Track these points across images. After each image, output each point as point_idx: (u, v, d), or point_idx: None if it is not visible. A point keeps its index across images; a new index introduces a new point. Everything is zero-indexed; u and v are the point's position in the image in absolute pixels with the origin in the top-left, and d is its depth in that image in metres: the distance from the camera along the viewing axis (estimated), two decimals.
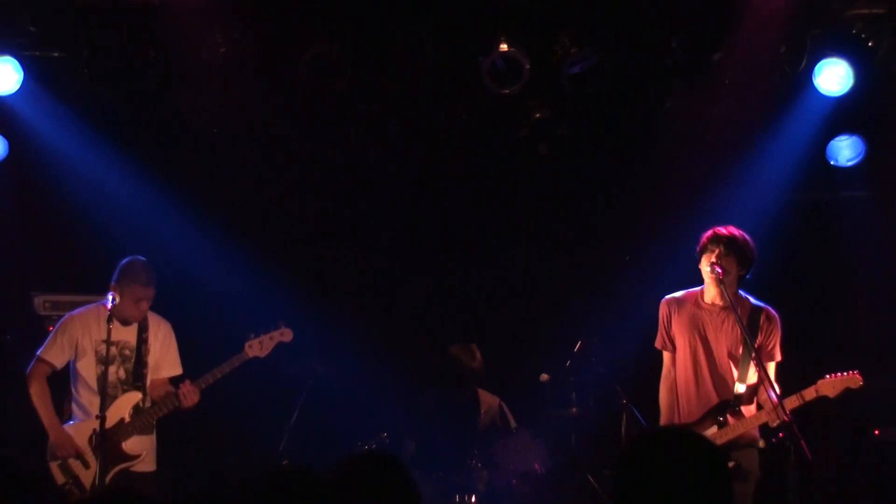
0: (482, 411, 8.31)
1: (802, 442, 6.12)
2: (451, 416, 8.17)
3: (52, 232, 8.65)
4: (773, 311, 6.82)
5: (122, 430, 7.09)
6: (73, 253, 8.59)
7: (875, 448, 7.98)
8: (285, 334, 7.45)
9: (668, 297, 7.01)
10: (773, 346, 6.77)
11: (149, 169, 8.51)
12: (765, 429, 6.71)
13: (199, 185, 8.74)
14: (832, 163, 8.41)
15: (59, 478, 6.98)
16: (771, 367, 6.68)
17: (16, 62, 7.68)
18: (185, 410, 7.25)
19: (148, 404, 7.26)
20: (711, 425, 6.71)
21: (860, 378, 6.63)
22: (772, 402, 6.44)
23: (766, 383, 6.49)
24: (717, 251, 6.69)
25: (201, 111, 8.31)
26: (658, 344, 6.99)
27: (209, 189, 8.78)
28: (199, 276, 8.57)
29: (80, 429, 7.09)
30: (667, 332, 6.94)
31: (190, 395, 7.16)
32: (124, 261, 7.26)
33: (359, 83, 7.90)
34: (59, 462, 6.98)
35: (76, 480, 7.02)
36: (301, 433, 7.86)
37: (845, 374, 6.63)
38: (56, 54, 7.83)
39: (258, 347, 7.36)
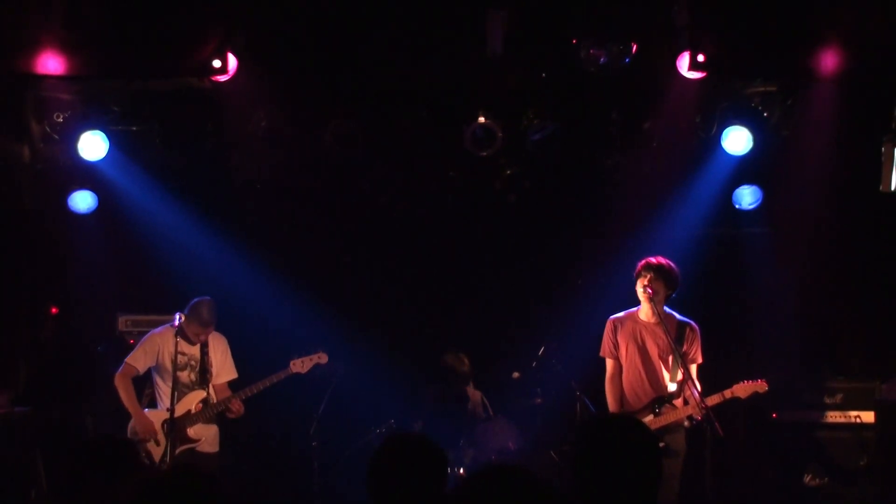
0: (469, 404, 8.43)
1: (716, 423, 6.31)
2: (446, 408, 8.29)
3: (132, 266, 8.69)
4: (694, 324, 7.00)
5: (188, 419, 7.34)
6: (148, 282, 8.69)
7: (773, 427, 8.01)
8: (322, 357, 7.63)
9: (612, 316, 7.12)
10: (696, 352, 6.92)
11: (207, 215, 8.60)
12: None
13: (245, 228, 8.80)
14: (736, 206, 8.46)
15: None
16: (693, 368, 6.88)
17: (103, 134, 7.78)
18: (233, 416, 7.45)
19: (213, 401, 7.46)
20: (648, 414, 6.84)
21: (766, 384, 6.84)
22: (695, 399, 6.64)
23: (690, 383, 6.72)
24: (648, 276, 6.87)
25: (248, 170, 8.50)
26: (603, 353, 7.10)
27: (254, 231, 8.83)
28: (244, 300, 8.53)
29: (157, 415, 7.33)
30: (612, 344, 7.03)
31: (236, 407, 7.39)
32: (195, 300, 7.42)
33: (370, 148, 8.00)
34: (137, 440, 7.17)
35: (148, 455, 7.21)
36: (328, 419, 7.90)
37: (756, 381, 6.83)
38: (134, 128, 7.94)
39: (300, 366, 7.55)
